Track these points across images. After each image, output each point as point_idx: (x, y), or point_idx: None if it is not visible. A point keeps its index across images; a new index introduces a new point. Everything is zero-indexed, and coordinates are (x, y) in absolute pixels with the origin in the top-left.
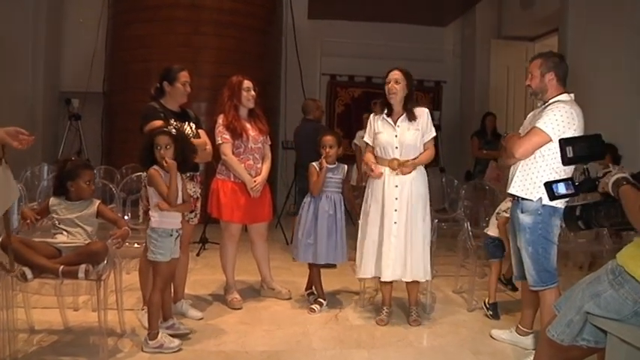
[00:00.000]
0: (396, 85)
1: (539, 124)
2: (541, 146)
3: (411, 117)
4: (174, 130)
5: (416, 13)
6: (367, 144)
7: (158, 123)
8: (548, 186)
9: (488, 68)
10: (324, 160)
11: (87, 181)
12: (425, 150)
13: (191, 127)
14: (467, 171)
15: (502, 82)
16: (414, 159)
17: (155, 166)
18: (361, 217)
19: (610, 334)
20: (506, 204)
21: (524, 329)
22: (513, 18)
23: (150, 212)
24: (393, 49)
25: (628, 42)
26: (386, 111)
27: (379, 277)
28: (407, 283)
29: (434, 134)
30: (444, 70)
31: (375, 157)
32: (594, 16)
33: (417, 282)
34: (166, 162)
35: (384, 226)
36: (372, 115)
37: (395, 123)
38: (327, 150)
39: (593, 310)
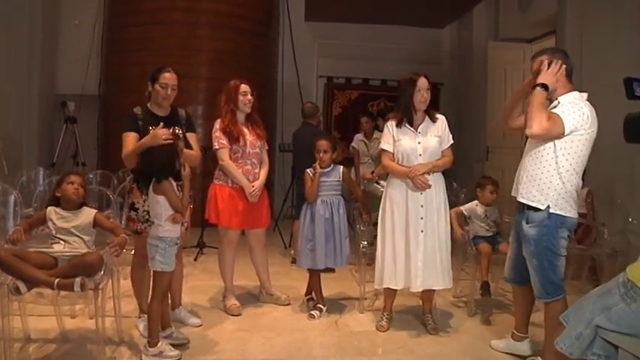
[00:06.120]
0: (427, 94)
1: (560, 113)
2: (553, 134)
3: (434, 120)
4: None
5: (413, 15)
6: (384, 150)
7: (131, 135)
8: (629, 83)
9: (485, 70)
10: (317, 165)
11: (70, 182)
12: (443, 157)
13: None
14: None
15: (499, 84)
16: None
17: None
18: (379, 225)
19: (622, 349)
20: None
21: (519, 334)
22: (511, 20)
23: (156, 221)
24: (390, 51)
25: (626, 44)
26: (406, 120)
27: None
28: (423, 290)
29: (452, 142)
30: (442, 73)
31: (397, 164)
32: (592, 18)
33: (434, 289)
34: (184, 169)
35: (410, 235)
36: (388, 123)
37: (416, 130)
38: (321, 155)
39: (603, 324)
